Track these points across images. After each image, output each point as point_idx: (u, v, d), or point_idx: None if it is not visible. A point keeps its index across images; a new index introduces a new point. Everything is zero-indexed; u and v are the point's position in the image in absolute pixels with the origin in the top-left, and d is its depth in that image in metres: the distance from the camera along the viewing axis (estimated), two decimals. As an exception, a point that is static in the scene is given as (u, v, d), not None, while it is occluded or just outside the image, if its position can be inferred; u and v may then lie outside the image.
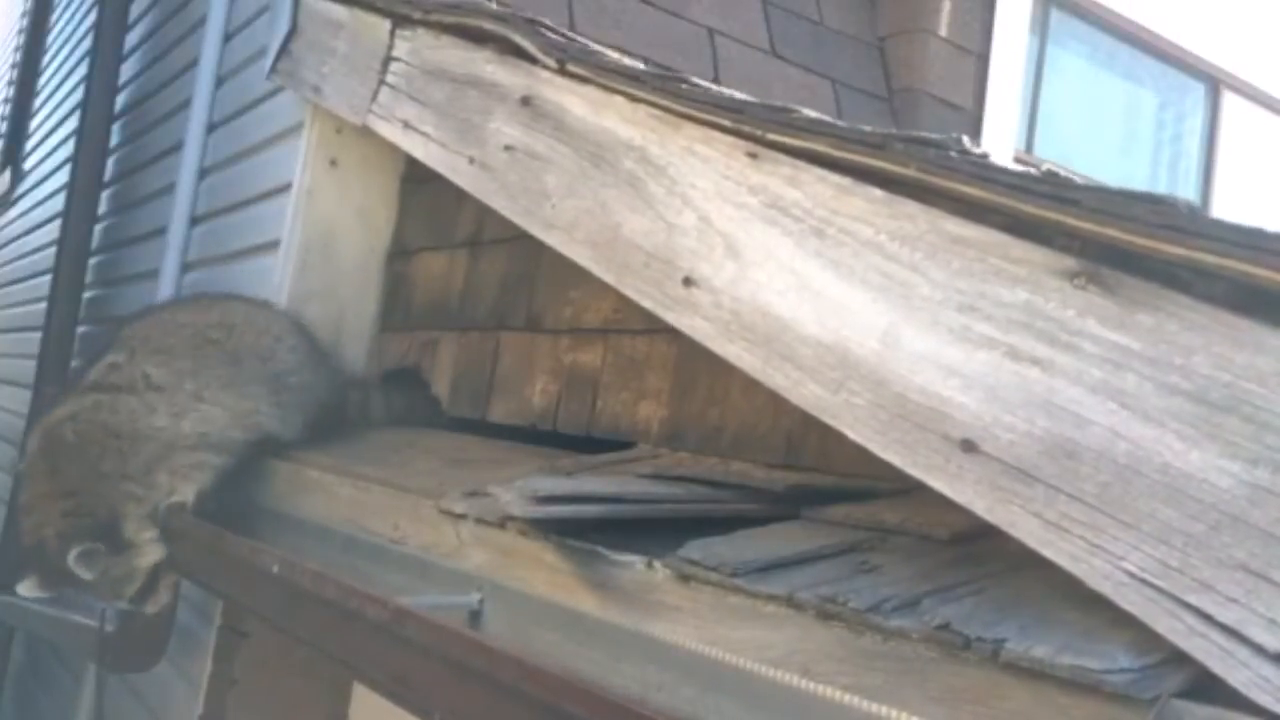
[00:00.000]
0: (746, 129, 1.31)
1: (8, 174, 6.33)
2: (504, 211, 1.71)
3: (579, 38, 1.77)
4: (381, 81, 2.08)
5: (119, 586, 1.94)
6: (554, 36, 1.69)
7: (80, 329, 3.60)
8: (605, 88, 1.54)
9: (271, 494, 2.00)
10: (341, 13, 2.26)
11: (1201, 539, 0.82)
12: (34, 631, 3.41)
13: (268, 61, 2.53)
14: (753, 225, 1.27)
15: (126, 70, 3.93)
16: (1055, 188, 0.99)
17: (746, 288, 1.26)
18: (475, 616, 1.32)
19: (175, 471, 1.94)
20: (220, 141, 3.05)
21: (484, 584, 1.32)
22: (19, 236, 5.71)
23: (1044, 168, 1.08)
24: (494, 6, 1.95)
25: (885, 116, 3.44)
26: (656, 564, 1.11)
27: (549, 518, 1.23)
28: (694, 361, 1.58)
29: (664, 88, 1.44)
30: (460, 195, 1.90)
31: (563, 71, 1.63)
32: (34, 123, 6.04)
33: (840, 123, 1.24)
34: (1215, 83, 4.66)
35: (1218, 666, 0.78)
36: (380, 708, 1.74)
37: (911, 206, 1.11)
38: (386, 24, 2.11)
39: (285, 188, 2.47)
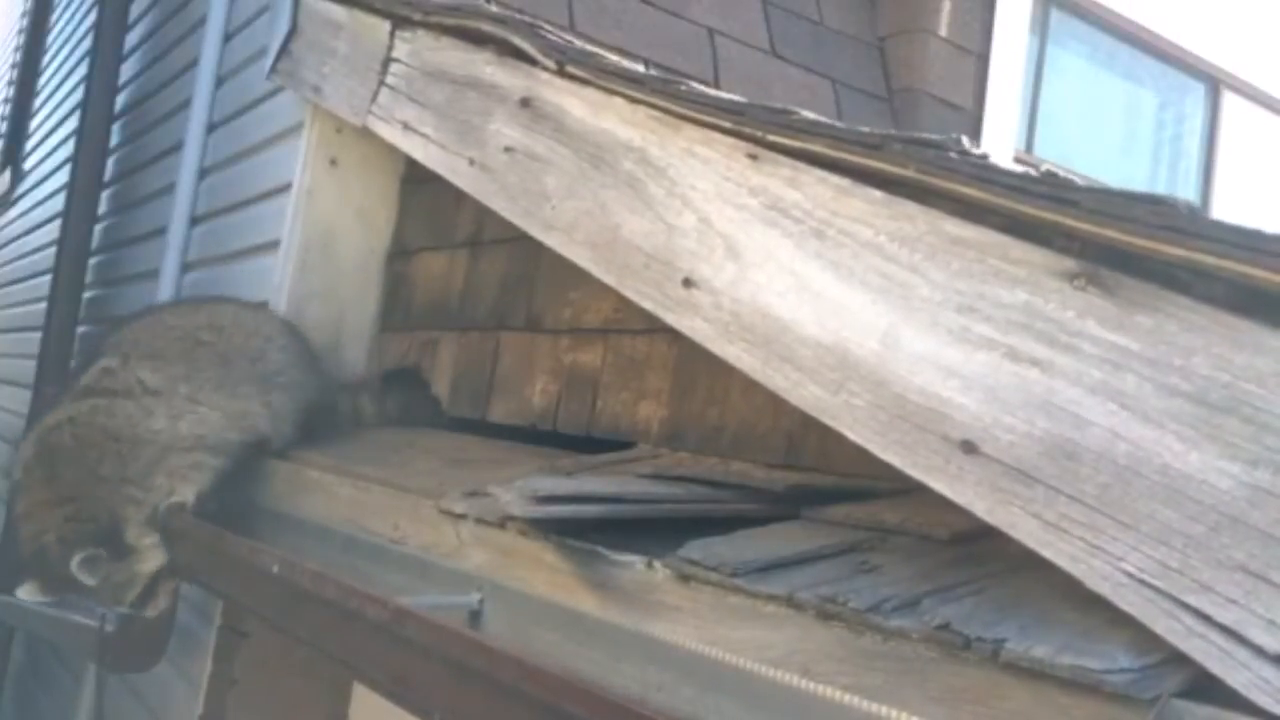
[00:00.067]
0: (747, 130, 1.31)
1: (8, 174, 6.33)
2: (504, 213, 1.71)
3: (579, 38, 1.77)
4: (381, 82, 2.08)
5: (120, 592, 1.94)
6: (553, 38, 1.70)
7: (80, 329, 3.60)
8: (605, 89, 1.54)
9: (271, 494, 2.00)
10: (341, 14, 2.26)
11: (1201, 540, 0.82)
12: (34, 631, 3.41)
13: (268, 61, 2.53)
14: (753, 226, 1.27)
15: (126, 70, 3.93)
16: (1055, 188, 0.99)
17: (746, 289, 1.26)
18: (475, 616, 1.32)
19: (174, 473, 1.94)
20: (220, 141, 3.05)
21: (484, 584, 1.32)
22: (19, 236, 5.71)
23: (1044, 168, 1.08)
24: (494, 8, 1.95)
25: (885, 117, 3.44)
26: (656, 564, 1.11)
27: (549, 518, 1.23)
28: (694, 362, 1.59)
29: (664, 89, 1.44)
30: (460, 195, 1.90)
31: (562, 73, 1.63)
32: (34, 123, 6.04)
33: (840, 124, 1.24)
34: (1215, 83, 4.66)
35: (1217, 667, 0.78)
36: (380, 708, 1.74)
37: (911, 207, 1.11)
38: (386, 25, 2.11)
39: (285, 188, 2.47)
